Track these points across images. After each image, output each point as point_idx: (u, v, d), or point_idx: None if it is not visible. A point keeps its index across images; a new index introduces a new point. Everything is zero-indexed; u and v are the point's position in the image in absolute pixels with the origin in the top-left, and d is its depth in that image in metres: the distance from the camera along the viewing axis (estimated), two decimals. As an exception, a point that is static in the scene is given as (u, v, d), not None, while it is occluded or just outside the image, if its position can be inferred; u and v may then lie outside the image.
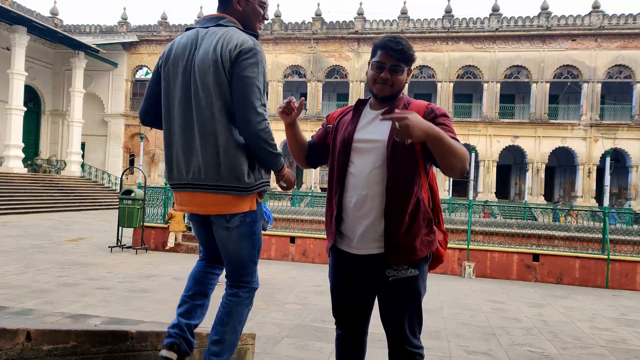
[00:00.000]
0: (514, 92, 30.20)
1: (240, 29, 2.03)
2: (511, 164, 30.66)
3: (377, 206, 1.94)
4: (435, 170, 2.09)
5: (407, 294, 1.97)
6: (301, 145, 2.21)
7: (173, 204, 10.26)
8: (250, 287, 2.13)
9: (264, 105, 1.97)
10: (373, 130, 2.01)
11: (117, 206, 11.08)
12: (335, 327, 2.22)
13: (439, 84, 28.11)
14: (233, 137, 1.97)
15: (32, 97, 29.67)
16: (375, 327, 2.22)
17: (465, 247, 9.55)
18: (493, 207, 19.83)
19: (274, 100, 29.66)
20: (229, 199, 1.99)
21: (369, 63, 2.07)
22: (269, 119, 2.01)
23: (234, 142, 1.97)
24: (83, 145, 29.55)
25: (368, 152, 1.98)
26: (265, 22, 2.21)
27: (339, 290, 2.15)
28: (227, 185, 1.97)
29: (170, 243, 10.14)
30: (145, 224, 10.57)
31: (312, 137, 2.26)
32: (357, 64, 29.00)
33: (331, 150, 2.12)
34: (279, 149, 2.12)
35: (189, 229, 9.99)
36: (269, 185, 2.11)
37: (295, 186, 1.93)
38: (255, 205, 2.07)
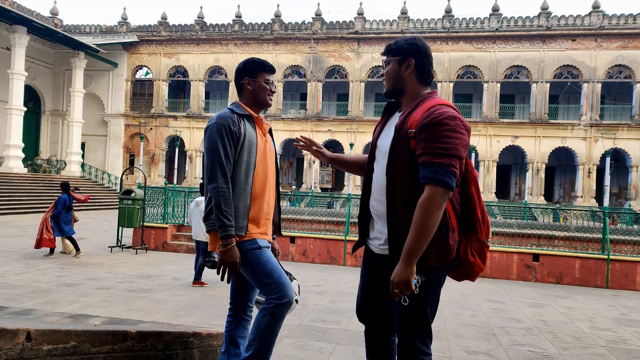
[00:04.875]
0: (514, 92, 30.19)
1: (237, 107, 2.46)
2: (511, 164, 30.65)
3: (385, 210, 1.97)
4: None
5: (412, 299, 1.91)
6: (358, 164, 2.38)
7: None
8: (270, 301, 2.30)
9: (217, 170, 2.31)
10: (386, 136, 2.04)
11: (117, 206, 11.08)
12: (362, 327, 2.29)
13: (439, 84, 28.11)
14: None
15: (32, 97, 29.67)
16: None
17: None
18: (493, 207, 19.82)
19: (274, 100, 29.51)
20: (210, 236, 2.43)
21: None
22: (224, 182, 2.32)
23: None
24: (83, 145, 29.55)
25: (381, 159, 2.02)
26: (273, 94, 2.57)
27: (362, 284, 2.19)
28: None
29: (71, 251, 9.21)
30: (145, 224, 10.57)
31: None
32: (357, 64, 28.99)
33: None
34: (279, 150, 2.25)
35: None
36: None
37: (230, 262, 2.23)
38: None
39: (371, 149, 2.12)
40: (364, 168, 2.23)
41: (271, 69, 2.54)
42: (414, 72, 2.02)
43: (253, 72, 2.48)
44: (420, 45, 2.04)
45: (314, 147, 2.49)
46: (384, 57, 2.07)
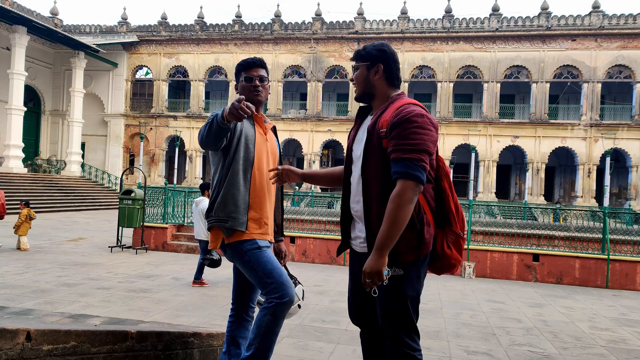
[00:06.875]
0: (514, 92, 30.18)
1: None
2: (511, 164, 30.64)
3: (363, 210, 2.04)
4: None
5: (391, 294, 1.97)
6: (332, 176, 2.40)
7: (23, 203, 9.82)
8: (271, 300, 2.29)
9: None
10: (360, 139, 2.10)
11: (117, 206, 11.09)
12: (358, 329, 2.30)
13: (439, 84, 28.10)
14: (214, 180, 2.48)
15: (32, 97, 29.66)
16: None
17: (465, 247, 9.55)
18: (493, 207, 19.82)
19: (274, 100, 29.68)
20: (210, 235, 2.46)
21: None
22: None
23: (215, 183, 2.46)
24: (83, 145, 29.55)
25: (357, 160, 2.08)
26: (258, 89, 2.48)
27: (351, 286, 2.22)
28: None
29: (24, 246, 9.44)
30: (145, 224, 10.57)
31: None
32: (357, 64, 28.94)
33: None
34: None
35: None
36: (223, 222, 2.36)
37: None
38: (234, 238, 2.36)
39: (347, 152, 2.18)
40: (338, 179, 2.30)
41: (249, 65, 2.50)
42: (382, 76, 2.09)
43: (236, 75, 2.57)
44: (388, 52, 2.10)
45: (284, 167, 2.36)
46: (353, 63, 2.15)
